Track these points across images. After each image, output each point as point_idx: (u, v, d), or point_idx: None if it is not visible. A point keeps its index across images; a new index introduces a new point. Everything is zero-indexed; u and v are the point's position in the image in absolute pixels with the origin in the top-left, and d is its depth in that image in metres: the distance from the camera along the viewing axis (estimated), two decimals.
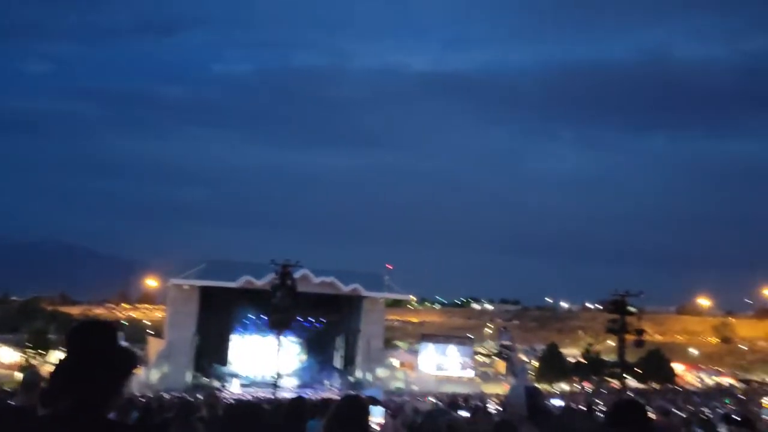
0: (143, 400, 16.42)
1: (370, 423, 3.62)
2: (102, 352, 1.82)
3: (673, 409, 22.29)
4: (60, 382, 1.83)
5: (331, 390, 48.25)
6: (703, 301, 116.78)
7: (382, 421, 4.43)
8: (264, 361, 51.29)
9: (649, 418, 3.42)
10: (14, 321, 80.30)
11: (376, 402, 3.69)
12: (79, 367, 1.81)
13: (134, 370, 1.91)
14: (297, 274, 41.76)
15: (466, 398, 26.36)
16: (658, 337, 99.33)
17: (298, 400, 4.86)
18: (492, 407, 11.90)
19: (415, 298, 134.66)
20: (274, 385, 38.15)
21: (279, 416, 4.68)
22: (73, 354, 1.85)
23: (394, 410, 4.57)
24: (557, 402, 16.12)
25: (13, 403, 4.40)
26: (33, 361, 55.33)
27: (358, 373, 54.89)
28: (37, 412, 4.07)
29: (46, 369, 52.21)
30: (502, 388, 52.08)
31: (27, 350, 56.84)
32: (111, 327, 1.95)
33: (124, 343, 2.09)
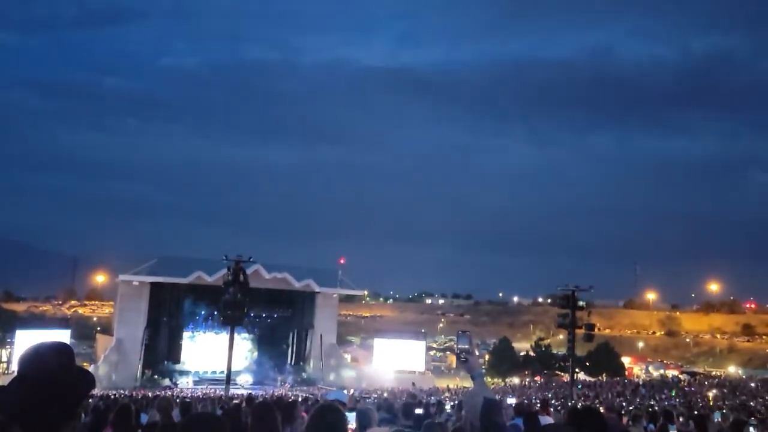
0: (91, 400, 16.02)
1: (346, 426, 3.56)
2: (59, 378, 1.74)
3: (623, 403, 22.85)
4: (13, 405, 1.74)
5: (283, 386, 47.99)
6: (650, 296, 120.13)
7: (353, 426, 4.39)
8: (216, 357, 50.66)
9: (606, 423, 3.46)
10: None
11: (342, 405, 3.63)
12: (36, 393, 1.73)
13: (90, 392, 1.83)
14: (249, 270, 41.29)
15: (417, 396, 26.49)
16: (607, 331, 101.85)
17: (266, 407, 4.76)
18: (448, 405, 11.99)
19: (368, 293, 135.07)
20: (227, 382, 37.72)
21: (242, 424, 4.60)
22: (28, 378, 1.76)
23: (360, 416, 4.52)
24: (510, 400, 16.27)
25: None
26: None
27: (311, 369, 54.74)
28: None
29: None
30: (454, 382, 52.62)
31: None
32: (68, 350, 1.87)
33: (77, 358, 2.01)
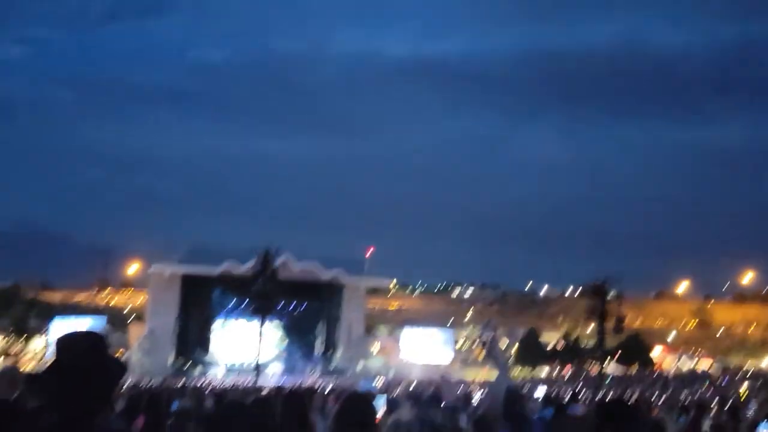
0: (124, 388, 16.35)
1: (375, 415, 3.60)
2: (93, 365, 1.79)
3: (654, 395, 22.64)
4: (50, 391, 1.80)
5: (312, 376, 48.37)
6: (682, 286, 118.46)
7: (380, 415, 4.43)
8: (245, 347, 51.21)
9: (637, 416, 3.44)
10: None
11: (373, 396, 3.68)
12: (71, 379, 1.78)
13: (122, 379, 1.88)
14: (278, 260, 41.79)
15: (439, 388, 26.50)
16: (638, 322, 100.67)
17: (296, 396, 4.81)
18: (476, 396, 11.99)
19: (395, 284, 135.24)
20: (257, 372, 38.24)
21: (274, 414, 4.65)
22: (63, 365, 1.81)
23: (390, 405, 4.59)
24: (540, 391, 16.20)
25: None
26: (14, 348, 54.85)
27: (339, 359, 55.05)
28: (20, 406, 4.03)
29: (27, 357, 51.90)
30: (482, 373, 52.54)
31: (7, 337, 56.33)
32: (101, 339, 1.92)
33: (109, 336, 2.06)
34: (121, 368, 1.90)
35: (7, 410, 3.78)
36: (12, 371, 4.34)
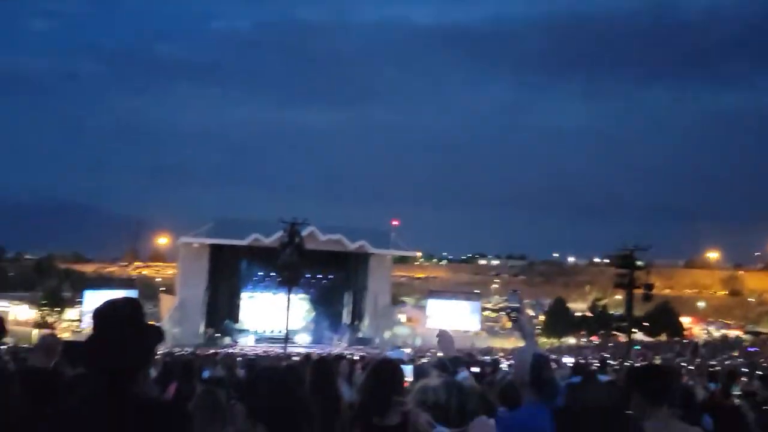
0: (157, 356, 16.70)
1: (405, 386, 3.64)
2: (131, 331, 1.82)
3: (683, 363, 22.52)
4: (91, 356, 1.84)
5: (339, 345, 48.92)
6: (712, 255, 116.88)
7: (410, 379, 4.48)
8: (274, 317, 51.92)
9: (670, 381, 3.41)
10: (29, 279, 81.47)
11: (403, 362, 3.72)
12: (110, 346, 1.82)
13: (160, 342, 1.92)
14: (304, 232, 42.05)
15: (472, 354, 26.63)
16: (667, 291, 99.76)
17: (324, 363, 4.89)
18: (505, 365, 12.04)
19: (421, 254, 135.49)
20: (285, 341, 38.78)
21: (304, 380, 4.72)
22: (102, 331, 1.85)
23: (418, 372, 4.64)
24: (568, 360, 16.21)
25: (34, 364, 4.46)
26: (48, 319, 56.19)
27: (366, 329, 55.55)
28: (58, 374, 4.14)
29: (62, 327, 53.16)
30: (509, 343, 52.70)
31: (42, 308, 57.71)
32: (138, 305, 1.95)
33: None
34: (159, 332, 1.93)
35: (46, 378, 3.89)
36: (51, 340, 4.44)
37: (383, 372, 3.51)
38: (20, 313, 60.41)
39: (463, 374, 3.19)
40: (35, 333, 49.80)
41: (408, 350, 34.77)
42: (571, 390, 3.47)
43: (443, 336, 3.73)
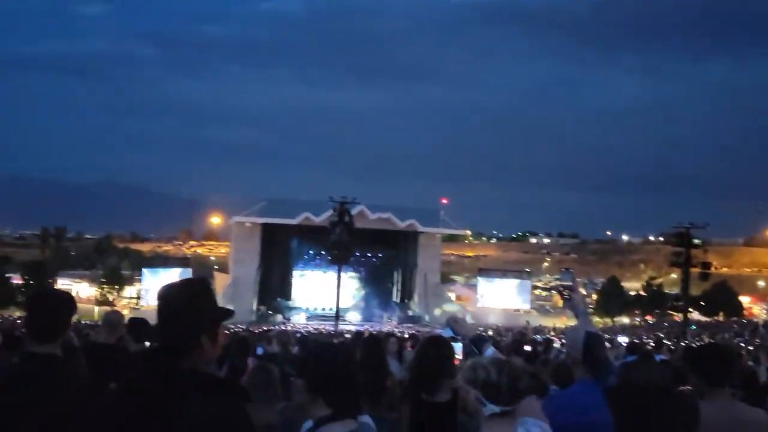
0: None
1: (455, 363, 3.66)
2: (185, 311, 1.88)
3: (741, 343, 21.90)
4: (155, 335, 1.91)
5: (390, 323, 49.22)
6: None
7: (460, 357, 4.49)
8: (325, 295, 52.51)
9: (731, 360, 3.32)
10: (90, 258, 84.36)
11: (454, 340, 3.73)
12: (164, 324, 1.89)
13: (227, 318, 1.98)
14: (354, 211, 42.21)
15: (526, 333, 26.42)
16: (725, 270, 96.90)
17: (375, 340, 4.95)
18: (558, 344, 11.91)
19: (470, 233, 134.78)
20: (336, 318, 39.20)
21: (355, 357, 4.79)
22: (160, 310, 1.91)
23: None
24: (621, 339, 15.95)
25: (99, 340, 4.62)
26: (109, 296, 58.04)
27: (416, 307, 55.70)
28: (125, 349, 4.29)
29: (122, 304, 54.88)
30: (560, 321, 52.13)
31: (102, 286, 59.70)
32: (206, 285, 2.03)
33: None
34: (227, 313, 2.00)
35: (110, 353, 4.03)
36: (115, 317, 4.59)
37: (432, 349, 3.53)
38: (81, 290, 62.55)
39: (489, 351, 3.18)
40: (97, 310, 51.60)
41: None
42: (625, 369, 3.41)
43: (455, 320, 3.71)
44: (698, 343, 25.19)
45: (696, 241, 39.97)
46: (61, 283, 65.41)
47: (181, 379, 1.79)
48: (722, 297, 62.32)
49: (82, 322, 29.08)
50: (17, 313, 47.50)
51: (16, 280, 60.04)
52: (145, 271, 53.07)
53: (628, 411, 2.25)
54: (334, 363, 2.37)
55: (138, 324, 4.58)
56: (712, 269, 40.94)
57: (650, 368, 3.46)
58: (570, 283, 4.01)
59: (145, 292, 50.31)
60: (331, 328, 34.40)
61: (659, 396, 3.10)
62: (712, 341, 23.53)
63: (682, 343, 21.83)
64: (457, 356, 4.41)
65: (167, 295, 1.90)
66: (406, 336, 14.97)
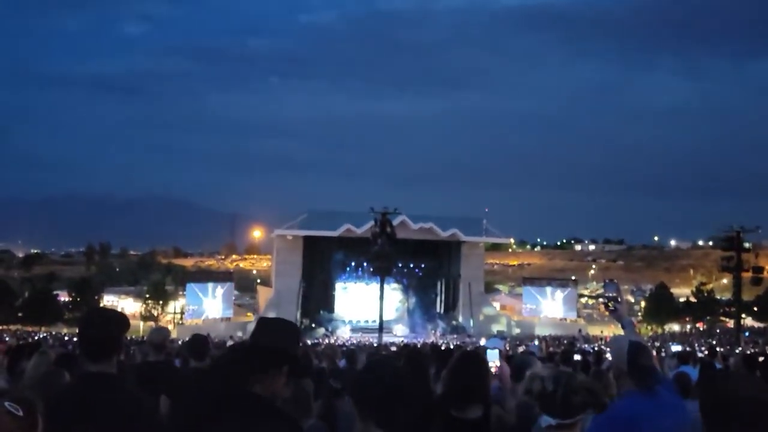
0: None
1: (488, 375, 3.60)
2: (288, 348, 1.95)
3: None
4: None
5: (434, 335, 48.96)
6: None
7: (498, 364, 4.42)
8: (367, 307, 52.49)
9: None
10: (134, 274, 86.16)
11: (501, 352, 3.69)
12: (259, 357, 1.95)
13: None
14: (396, 221, 42.22)
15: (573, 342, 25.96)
16: None
17: (417, 353, 4.89)
18: (608, 354, 11.65)
19: (514, 241, 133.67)
20: (380, 331, 39.13)
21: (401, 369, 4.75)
22: (260, 345, 1.99)
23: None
24: (673, 348, 15.54)
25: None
26: (153, 311, 58.88)
27: (460, 318, 55.32)
28: (173, 367, 4.33)
29: (166, 319, 55.75)
30: (608, 330, 51.16)
31: (147, 301, 60.52)
32: (297, 330, 2.12)
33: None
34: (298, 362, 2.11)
35: (158, 371, 4.06)
36: (161, 335, 4.63)
37: (462, 364, 3.46)
38: (127, 306, 63.82)
39: (493, 340, 3.13)
40: (142, 326, 52.52)
41: (508, 339, 34.36)
42: (709, 380, 3.28)
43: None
44: (753, 350, 24.40)
45: (746, 244, 39.04)
46: (107, 299, 66.98)
47: (234, 401, 1.79)
48: None
49: (128, 338, 29.65)
50: (65, 330, 48.72)
51: (63, 297, 61.52)
52: (188, 285, 53.95)
53: (743, 427, 2.09)
54: (382, 380, 2.31)
55: (200, 342, 4.58)
56: (765, 273, 39.88)
57: (747, 380, 3.34)
58: (614, 294, 3.98)
59: (189, 307, 51.23)
60: (375, 341, 34.37)
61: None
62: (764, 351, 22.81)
63: (737, 350, 21.18)
64: (494, 363, 4.36)
65: (259, 332, 1.98)
66: (453, 347, 14.85)
